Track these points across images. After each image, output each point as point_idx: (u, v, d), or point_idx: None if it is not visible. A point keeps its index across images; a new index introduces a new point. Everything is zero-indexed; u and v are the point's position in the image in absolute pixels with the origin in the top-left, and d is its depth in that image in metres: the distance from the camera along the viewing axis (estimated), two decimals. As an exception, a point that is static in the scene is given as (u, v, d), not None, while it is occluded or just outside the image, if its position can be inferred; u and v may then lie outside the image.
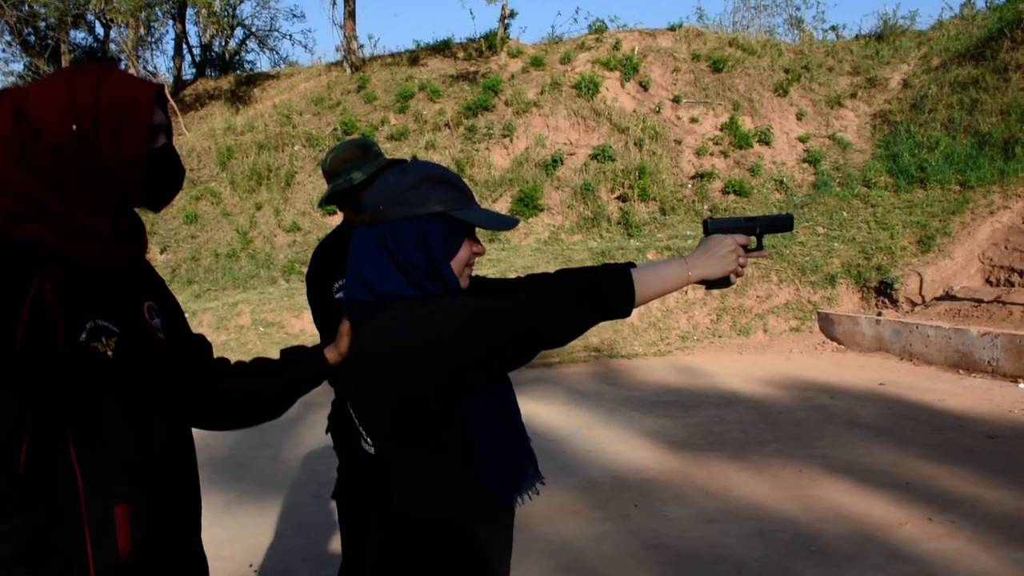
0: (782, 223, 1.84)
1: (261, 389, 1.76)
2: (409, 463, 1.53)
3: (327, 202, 2.81)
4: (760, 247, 1.80)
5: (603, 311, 1.58)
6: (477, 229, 1.64)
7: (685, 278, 1.66)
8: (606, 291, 1.57)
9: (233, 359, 1.85)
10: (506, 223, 1.63)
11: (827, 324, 10.14)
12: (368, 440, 1.62)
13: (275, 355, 1.89)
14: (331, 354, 1.83)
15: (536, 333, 1.52)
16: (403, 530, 1.54)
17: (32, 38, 20.51)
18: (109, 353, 1.42)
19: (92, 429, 1.39)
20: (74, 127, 1.39)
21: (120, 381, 1.43)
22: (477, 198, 13.88)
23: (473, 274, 1.77)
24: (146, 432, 1.48)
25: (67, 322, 1.37)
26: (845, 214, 11.97)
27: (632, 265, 1.71)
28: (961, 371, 8.06)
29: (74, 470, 1.38)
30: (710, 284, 1.71)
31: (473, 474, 1.53)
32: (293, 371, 1.80)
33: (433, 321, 1.48)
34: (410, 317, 1.49)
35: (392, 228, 1.54)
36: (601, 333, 9.98)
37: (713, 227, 1.75)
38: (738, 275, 1.73)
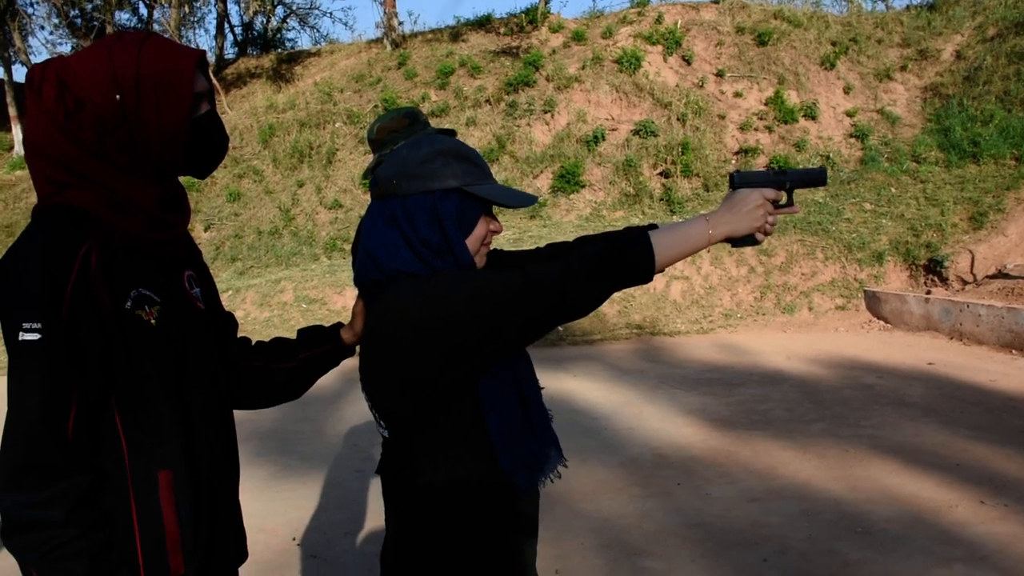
0: (814, 177, 1.71)
1: (278, 369, 1.76)
2: (422, 445, 1.49)
3: (373, 172, 2.76)
4: (791, 202, 1.68)
5: (623, 278, 1.48)
6: (495, 208, 1.58)
7: (707, 237, 1.54)
8: (625, 257, 1.47)
9: (276, 336, 1.85)
10: (524, 199, 1.56)
11: (874, 302, 9.94)
12: (382, 423, 1.58)
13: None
14: (347, 334, 1.80)
15: (550, 306, 1.44)
16: (421, 512, 1.51)
17: (78, 20, 20.81)
18: (152, 321, 1.43)
19: (136, 396, 1.41)
20: (117, 97, 1.39)
21: (162, 349, 1.45)
22: (518, 174, 13.84)
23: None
24: (187, 400, 1.49)
25: (112, 290, 1.38)
26: (894, 190, 11.70)
27: (654, 226, 1.61)
28: (1014, 351, 7.84)
29: (119, 436, 1.40)
30: (736, 242, 1.59)
31: (489, 456, 1.49)
32: (309, 351, 1.79)
33: (441, 296, 1.43)
34: (417, 292, 1.44)
35: (403, 203, 1.49)
36: (643, 310, 9.90)
37: (740, 181, 1.62)
38: (766, 232, 1.61)
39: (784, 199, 1.66)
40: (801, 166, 12.85)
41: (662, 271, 1.55)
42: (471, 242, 1.53)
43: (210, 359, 1.58)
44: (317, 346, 1.79)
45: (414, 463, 1.51)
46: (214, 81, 17.48)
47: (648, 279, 1.51)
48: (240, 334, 1.81)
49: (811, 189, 10.25)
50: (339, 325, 1.84)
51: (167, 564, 1.42)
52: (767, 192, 1.61)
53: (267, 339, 1.83)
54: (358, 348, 1.74)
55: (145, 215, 1.44)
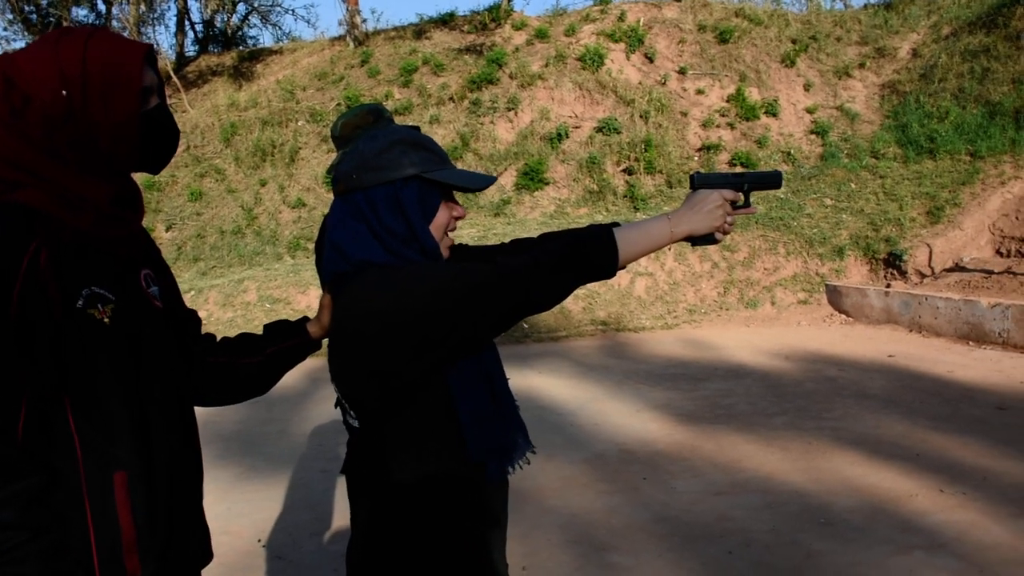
0: (770, 180, 1.77)
1: (244, 364, 1.74)
2: (391, 437, 1.50)
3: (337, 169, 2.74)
4: (747, 204, 1.73)
5: (586, 273, 1.52)
6: (459, 195, 1.60)
7: (668, 235, 1.60)
8: (589, 252, 1.51)
9: (240, 333, 1.83)
10: (482, 181, 1.59)
11: (835, 296, 10.08)
12: (352, 414, 1.59)
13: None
14: (314, 328, 1.80)
15: (515, 300, 1.47)
16: (392, 502, 1.52)
17: (34, 16, 20.38)
18: (106, 320, 1.41)
19: (89, 396, 1.39)
20: (64, 93, 1.37)
21: (117, 348, 1.43)
22: (482, 172, 13.85)
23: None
24: (143, 399, 1.47)
25: (63, 289, 1.36)
26: (853, 185, 11.87)
27: (616, 224, 1.65)
28: (971, 342, 8.01)
29: (72, 437, 1.38)
30: (696, 240, 1.65)
31: (459, 445, 1.51)
32: (276, 346, 1.78)
33: (406, 289, 1.44)
34: (385, 283, 1.46)
35: (367, 196, 1.52)
36: (608, 307, 9.95)
37: (700, 182, 1.68)
38: (725, 232, 1.67)
39: (742, 200, 1.72)
40: (763, 163, 13.00)
41: (624, 267, 1.58)
42: (435, 228, 1.55)
43: (168, 358, 1.56)
44: (284, 340, 1.78)
45: (382, 457, 1.52)
46: (174, 77, 17.26)
47: (611, 274, 1.54)
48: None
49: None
50: (305, 319, 1.83)
51: (123, 565, 1.41)
52: (726, 193, 1.66)
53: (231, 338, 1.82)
54: (325, 342, 1.74)
55: (97, 212, 1.42)
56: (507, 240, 10.99)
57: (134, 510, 1.42)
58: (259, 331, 1.84)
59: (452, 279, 1.46)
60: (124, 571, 1.41)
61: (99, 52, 1.40)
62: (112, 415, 1.41)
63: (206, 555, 1.65)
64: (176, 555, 1.51)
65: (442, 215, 1.56)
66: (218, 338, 1.79)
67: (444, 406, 1.49)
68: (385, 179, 1.51)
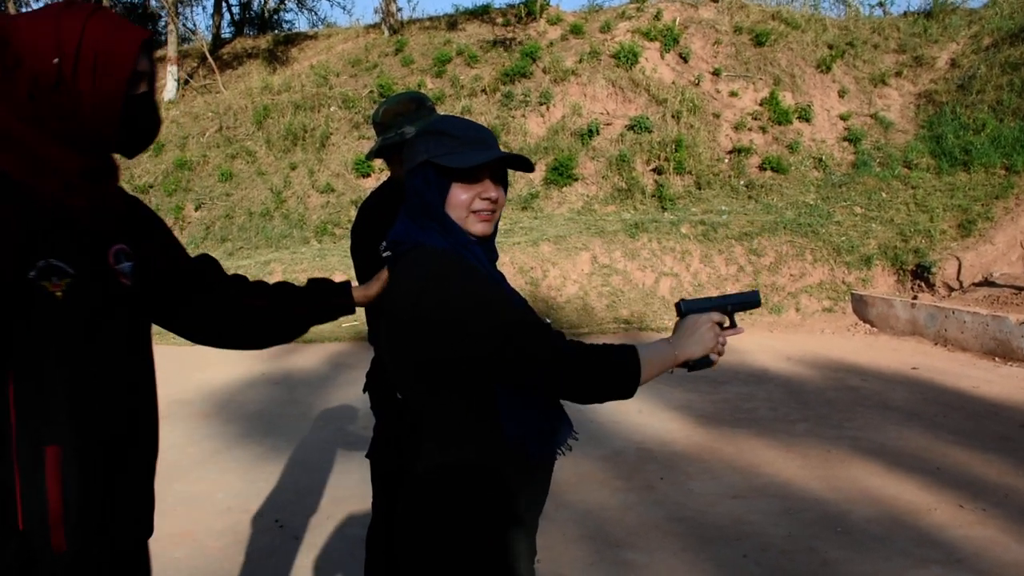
0: (750, 301, 1.86)
1: (284, 312, 1.78)
2: (435, 410, 1.57)
3: (376, 155, 2.73)
4: (733, 324, 1.81)
5: (610, 376, 1.57)
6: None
7: (673, 358, 1.67)
8: (612, 356, 1.57)
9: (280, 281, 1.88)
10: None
11: (861, 306, 10.00)
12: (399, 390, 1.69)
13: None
14: (358, 293, 1.86)
15: (544, 373, 1.53)
16: (432, 481, 1.57)
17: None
18: (58, 294, 1.39)
19: (31, 368, 1.38)
20: (55, 61, 1.39)
21: (66, 323, 1.41)
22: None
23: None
24: (89, 377, 1.45)
25: (16, 258, 1.34)
26: (884, 195, 11.75)
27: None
28: (997, 359, 7.91)
29: (9, 407, 1.36)
30: (692, 366, 1.71)
31: (495, 430, 1.57)
32: (323, 301, 1.83)
33: (444, 296, 1.52)
34: (429, 280, 1.54)
35: (406, 183, 1.68)
36: (632, 305, 9.93)
37: (687, 308, 1.77)
38: (719, 353, 1.73)
39: (727, 322, 1.79)
40: (793, 168, 12.89)
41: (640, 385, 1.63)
42: (452, 208, 1.62)
43: (126, 337, 1.55)
44: (330, 297, 1.84)
45: (428, 428, 1.59)
46: (209, 59, 17.37)
47: (633, 383, 1.59)
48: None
49: (801, 191, 10.25)
50: (349, 283, 1.89)
51: (48, 540, 1.40)
52: (714, 316, 1.74)
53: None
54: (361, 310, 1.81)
55: (64, 181, 1.43)
56: (533, 234, 10.92)
57: (64, 486, 1.40)
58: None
59: (493, 306, 1.53)
60: (49, 545, 1.40)
61: (99, 29, 1.43)
62: (52, 389, 1.39)
63: (145, 530, 1.64)
64: (111, 532, 1.50)
65: (458, 196, 1.62)
66: (250, 280, 1.81)
67: (482, 390, 1.55)
68: (410, 167, 1.66)
